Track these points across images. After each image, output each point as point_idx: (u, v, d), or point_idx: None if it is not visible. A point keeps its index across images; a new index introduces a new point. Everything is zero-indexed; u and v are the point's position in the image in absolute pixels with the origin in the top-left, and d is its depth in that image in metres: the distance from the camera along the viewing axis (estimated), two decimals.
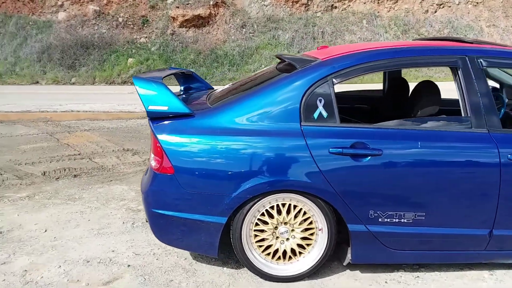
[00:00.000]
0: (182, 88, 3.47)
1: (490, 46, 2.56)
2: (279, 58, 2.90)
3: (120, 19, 16.68)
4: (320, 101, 2.35)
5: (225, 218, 2.31)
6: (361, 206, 2.33)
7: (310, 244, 2.44)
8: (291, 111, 2.34)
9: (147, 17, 16.80)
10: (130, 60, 15.16)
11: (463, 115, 2.39)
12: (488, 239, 2.40)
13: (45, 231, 3.08)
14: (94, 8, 16.85)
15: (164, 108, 2.34)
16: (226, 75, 14.68)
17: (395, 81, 3.35)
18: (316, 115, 2.35)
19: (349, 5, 17.36)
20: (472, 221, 2.38)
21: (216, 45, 15.96)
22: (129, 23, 16.68)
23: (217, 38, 16.20)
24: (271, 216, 2.38)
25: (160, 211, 2.38)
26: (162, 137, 2.32)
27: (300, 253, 2.45)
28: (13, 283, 2.38)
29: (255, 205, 2.33)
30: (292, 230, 2.42)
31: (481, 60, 2.41)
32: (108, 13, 16.86)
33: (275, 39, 16.08)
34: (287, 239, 2.43)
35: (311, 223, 2.40)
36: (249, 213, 2.34)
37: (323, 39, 16.35)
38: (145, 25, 16.58)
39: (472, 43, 2.63)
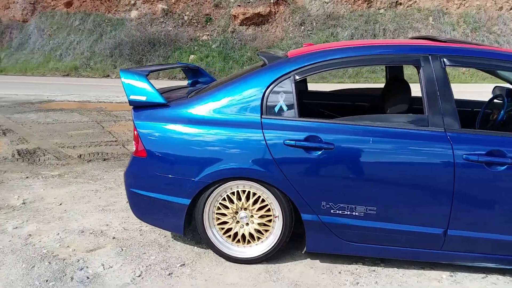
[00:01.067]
0: (189, 82, 3.76)
1: (461, 45, 2.53)
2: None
3: (186, 17, 17.53)
4: (282, 96, 2.50)
5: (189, 200, 2.55)
6: (313, 197, 2.44)
7: (268, 230, 2.60)
8: (254, 104, 2.51)
9: (210, 15, 17.48)
10: (191, 56, 15.90)
11: (424, 113, 2.40)
12: (443, 239, 2.40)
13: (60, 204, 3.53)
14: (163, 7, 17.86)
15: (143, 98, 2.62)
16: None
17: (392, 80, 3.36)
18: (276, 109, 2.50)
19: (415, 2, 16.68)
20: (426, 219, 2.39)
21: (274, 42, 16.19)
22: (194, 21, 17.47)
23: (275, 36, 16.43)
24: (231, 201, 2.58)
25: (136, 190, 2.68)
26: (138, 123, 2.61)
27: (258, 238, 2.61)
28: (15, 243, 2.81)
29: (216, 190, 2.54)
30: (251, 216, 2.59)
31: (444, 59, 2.40)
32: (175, 11, 17.77)
33: (334, 36, 15.95)
34: (247, 224, 2.61)
35: (268, 210, 2.56)
36: (210, 197, 2.56)
37: (384, 36, 15.92)
38: (208, 23, 17.25)
39: (445, 42, 2.60)
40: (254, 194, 2.55)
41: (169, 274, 2.49)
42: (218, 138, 2.50)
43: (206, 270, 2.55)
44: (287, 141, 2.41)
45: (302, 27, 16.46)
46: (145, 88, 2.62)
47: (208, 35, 17.03)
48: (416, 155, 2.33)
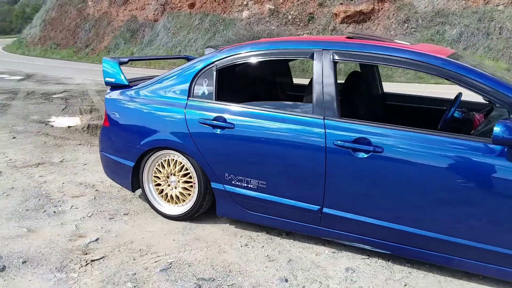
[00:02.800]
0: None
1: (360, 41, 2.68)
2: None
3: (290, 17, 18.19)
4: (205, 82, 2.99)
5: (133, 163, 3.20)
6: (219, 168, 2.89)
7: (190, 194, 3.11)
8: (184, 88, 3.06)
9: (313, 14, 17.84)
10: None
11: (311, 102, 2.66)
12: (320, 216, 2.64)
13: (84, 164, 4.50)
14: (270, 7, 18.79)
15: (112, 80, 3.36)
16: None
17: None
18: (200, 92, 3.00)
19: None
20: (304, 196, 2.66)
21: None
22: (297, 20, 18.04)
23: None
24: (163, 167, 3.16)
25: (103, 153, 3.44)
26: (106, 99, 3.36)
27: (183, 200, 3.15)
28: (30, 185, 3.80)
29: (152, 156, 3.15)
30: (178, 181, 3.14)
31: (334, 54, 2.62)
32: (281, 11, 18.56)
33: (439, 34, 14.97)
34: (175, 187, 3.16)
35: (190, 177, 3.07)
36: (148, 162, 3.18)
37: (500, 35, 14.39)
38: (310, 22, 17.65)
39: (352, 38, 2.78)
40: (181, 163, 3.08)
41: (110, 218, 3.18)
42: (156, 114, 3.10)
43: (140, 220, 3.18)
44: (201, 119, 2.90)
45: (406, 25, 15.79)
46: (115, 73, 3.34)
47: (308, 33, 17.42)
48: (297, 138, 2.61)
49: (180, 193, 3.14)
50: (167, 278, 2.40)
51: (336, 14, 16.94)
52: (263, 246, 2.80)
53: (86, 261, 2.56)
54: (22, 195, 3.57)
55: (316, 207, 2.64)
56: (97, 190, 3.74)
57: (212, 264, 2.57)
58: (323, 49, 2.68)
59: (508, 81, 2.38)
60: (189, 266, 2.55)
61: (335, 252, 2.73)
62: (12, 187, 3.74)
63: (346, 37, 2.84)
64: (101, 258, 2.61)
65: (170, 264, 2.56)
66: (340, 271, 2.53)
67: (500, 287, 2.39)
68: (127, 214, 3.28)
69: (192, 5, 21.34)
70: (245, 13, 19.84)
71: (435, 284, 2.41)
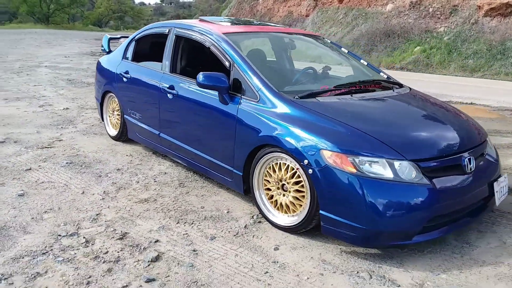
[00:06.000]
0: None
1: (189, 22, 3.83)
2: None
3: (431, 9, 17.46)
4: (130, 49, 4.57)
5: (100, 100, 4.99)
6: (125, 104, 4.44)
7: (118, 123, 4.74)
8: (122, 53, 4.68)
9: (457, 6, 16.74)
10: (417, 48, 16.07)
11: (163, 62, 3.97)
12: (159, 138, 3.96)
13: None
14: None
15: (103, 48, 5.23)
16: (508, 69, 13.17)
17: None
18: (127, 55, 4.60)
19: None
20: (154, 124, 4.01)
21: None
22: (437, 12, 17.20)
23: None
24: (111, 104, 4.86)
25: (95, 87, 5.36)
26: (98, 60, 5.25)
27: (116, 125, 4.80)
28: (39, 140, 6.00)
29: (105, 97, 4.87)
30: (113, 111, 4.80)
31: (176, 31, 3.86)
32: (422, 3, 17.93)
33: None
34: (112, 115, 4.83)
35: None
36: (104, 102, 4.91)
37: None
38: (452, 14, 16.64)
39: (200, 20, 3.94)
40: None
41: (64, 166, 5.05)
42: (108, 70, 4.80)
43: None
44: (119, 72, 4.50)
45: None
46: (104, 44, 5.20)
47: (446, 26, 16.49)
48: (151, 83, 3.94)
49: (115, 123, 4.80)
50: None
51: (479, 6, 15.60)
52: (152, 165, 4.25)
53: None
54: (34, 130, 5.78)
55: (157, 132, 3.95)
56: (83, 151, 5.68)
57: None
58: (170, 28, 3.94)
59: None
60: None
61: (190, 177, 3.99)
62: None
63: (199, 20, 4.00)
64: None
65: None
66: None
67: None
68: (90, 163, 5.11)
69: (340, 0, 22.21)
70: (389, 6, 19.74)
71: None
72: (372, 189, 2.36)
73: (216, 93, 3.17)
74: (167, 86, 3.69)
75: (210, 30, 3.54)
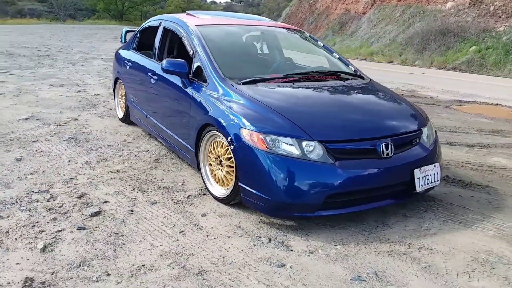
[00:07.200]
0: None
1: (178, 16, 4.24)
2: None
3: (491, 8, 16.52)
4: (135, 40, 5.11)
5: (114, 84, 5.59)
6: (128, 89, 4.98)
7: (122, 105, 5.30)
8: (130, 44, 5.24)
9: None
10: (472, 48, 15.32)
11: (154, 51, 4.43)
12: (147, 119, 4.43)
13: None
14: None
15: (121, 39, 5.84)
16: None
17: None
18: (134, 46, 5.14)
19: None
20: (144, 108, 4.49)
21: None
22: (499, 11, 16.24)
23: None
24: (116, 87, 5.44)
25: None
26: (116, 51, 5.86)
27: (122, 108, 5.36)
28: (62, 118, 6.70)
29: (117, 81, 5.45)
30: (121, 97, 5.36)
31: (164, 22, 4.31)
32: (483, 2, 17.00)
33: None
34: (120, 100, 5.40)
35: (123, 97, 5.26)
36: (117, 84, 5.49)
37: None
38: None
39: (188, 14, 4.34)
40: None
41: (66, 140, 5.68)
42: (119, 59, 5.36)
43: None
44: (125, 60, 5.05)
45: None
46: (122, 36, 5.80)
47: (506, 26, 15.53)
48: (142, 70, 4.42)
49: (123, 107, 5.36)
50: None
51: None
52: (149, 141, 4.76)
53: None
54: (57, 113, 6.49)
55: (145, 114, 4.42)
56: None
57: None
58: (161, 21, 4.39)
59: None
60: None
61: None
62: None
63: (186, 14, 4.41)
64: None
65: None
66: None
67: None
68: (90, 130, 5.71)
69: None
70: (449, 4, 18.92)
71: None
72: (279, 164, 2.61)
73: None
74: (152, 72, 4.14)
75: (186, 23, 3.93)
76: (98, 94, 7.17)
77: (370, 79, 3.78)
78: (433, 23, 17.96)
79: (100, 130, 4.99)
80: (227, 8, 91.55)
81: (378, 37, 20.49)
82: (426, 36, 17.30)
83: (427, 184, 2.92)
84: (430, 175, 2.93)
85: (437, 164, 3.00)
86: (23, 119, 5.27)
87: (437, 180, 2.99)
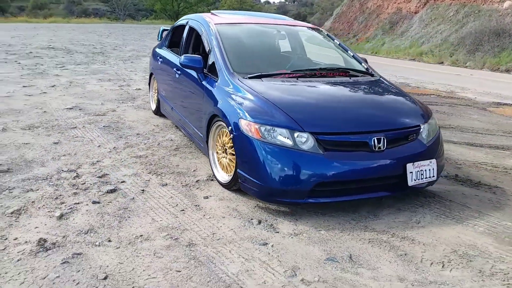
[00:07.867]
0: None
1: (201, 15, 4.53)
2: None
3: None
4: (167, 38, 5.49)
5: (149, 79, 6.02)
6: (160, 84, 5.36)
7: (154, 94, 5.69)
8: (164, 41, 5.62)
9: None
10: None
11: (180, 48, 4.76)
12: (172, 112, 4.78)
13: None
14: None
15: (157, 37, 6.25)
16: None
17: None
18: (166, 43, 5.52)
19: None
20: (171, 98, 4.85)
21: None
22: None
23: None
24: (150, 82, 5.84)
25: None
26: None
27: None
28: (102, 109, 7.19)
29: (152, 76, 5.86)
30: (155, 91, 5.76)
31: (190, 21, 4.62)
32: None
33: None
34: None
35: (149, 83, 5.65)
36: (152, 78, 5.91)
37: None
38: None
39: (212, 13, 4.63)
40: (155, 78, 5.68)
41: (101, 128, 6.13)
42: (154, 55, 5.77)
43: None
44: (157, 56, 5.44)
45: None
46: (159, 33, 6.22)
47: None
48: (170, 65, 4.78)
49: (156, 100, 5.76)
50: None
51: None
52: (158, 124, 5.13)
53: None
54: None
55: (172, 106, 4.77)
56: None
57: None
58: (188, 20, 4.71)
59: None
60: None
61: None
62: None
63: (211, 13, 4.69)
64: None
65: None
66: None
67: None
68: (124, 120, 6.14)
69: None
70: (507, 3, 18.00)
71: None
72: (271, 153, 2.81)
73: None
74: (176, 67, 4.47)
75: (208, 22, 4.21)
76: (139, 89, 7.67)
77: (380, 77, 3.86)
78: (487, 23, 17.17)
79: (133, 120, 5.40)
80: (280, 7, 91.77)
81: (429, 37, 19.86)
82: (480, 37, 16.59)
83: (421, 179, 2.99)
84: (425, 171, 3.00)
85: (433, 161, 3.06)
86: (67, 108, 5.81)
87: (433, 176, 3.05)
